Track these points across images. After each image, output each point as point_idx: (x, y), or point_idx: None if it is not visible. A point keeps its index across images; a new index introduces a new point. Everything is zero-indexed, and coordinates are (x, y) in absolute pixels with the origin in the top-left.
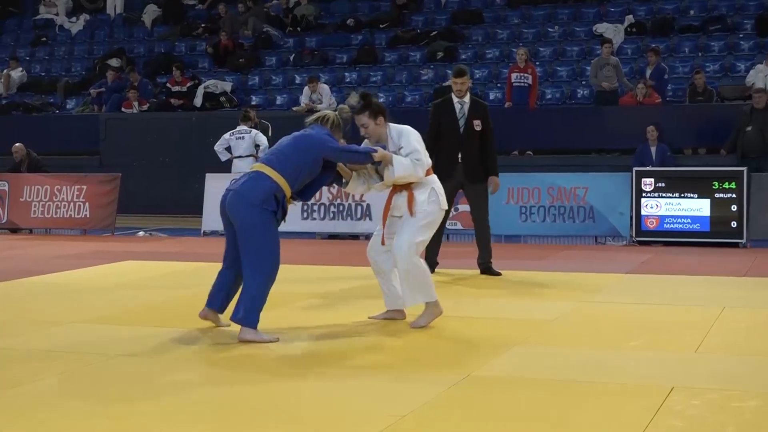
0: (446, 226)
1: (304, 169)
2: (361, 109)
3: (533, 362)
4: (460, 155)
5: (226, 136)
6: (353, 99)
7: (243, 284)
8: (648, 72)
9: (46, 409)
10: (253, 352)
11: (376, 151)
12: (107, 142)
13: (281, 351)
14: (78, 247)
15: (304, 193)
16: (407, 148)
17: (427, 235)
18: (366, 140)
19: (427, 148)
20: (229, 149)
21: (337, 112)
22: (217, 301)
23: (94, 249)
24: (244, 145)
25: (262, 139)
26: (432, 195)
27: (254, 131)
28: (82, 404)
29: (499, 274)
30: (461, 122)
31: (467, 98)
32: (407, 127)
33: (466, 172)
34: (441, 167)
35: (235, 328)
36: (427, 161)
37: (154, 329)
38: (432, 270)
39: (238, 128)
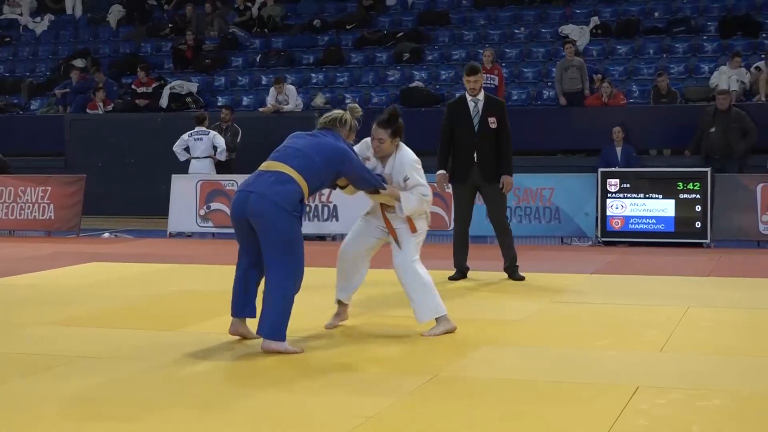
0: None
1: (325, 181)
2: (386, 125)
3: (500, 362)
4: (475, 155)
5: (185, 136)
6: (319, 100)
7: (268, 295)
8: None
9: (15, 412)
10: (226, 353)
11: (385, 184)
12: (72, 143)
13: (248, 353)
14: (43, 248)
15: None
16: (413, 180)
17: (419, 253)
18: (365, 146)
19: (442, 150)
20: (187, 149)
21: (348, 112)
22: (246, 308)
23: (59, 251)
24: (202, 147)
25: (220, 141)
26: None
27: (212, 132)
28: (54, 407)
29: (522, 278)
30: (475, 121)
31: (481, 96)
32: (411, 156)
33: (483, 172)
34: (457, 169)
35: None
36: (430, 195)
37: (123, 331)
38: (465, 275)
39: (197, 129)
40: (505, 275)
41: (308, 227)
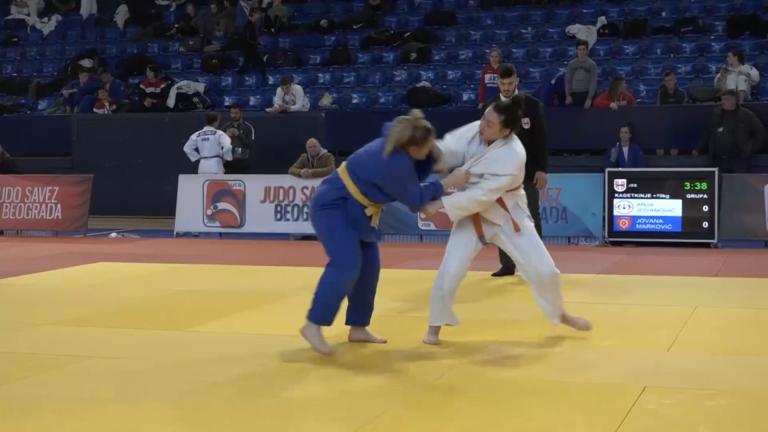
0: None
1: (379, 196)
2: (501, 110)
3: (505, 362)
4: None
5: (194, 137)
6: (326, 100)
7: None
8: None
9: (21, 411)
10: (233, 354)
11: (426, 201)
12: (79, 143)
13: (253, 353)
14: (50, 248)
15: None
16: (488, 183)
17: None
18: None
19: None
20: (197, 150)
21: (411, 117)
22: (359, 317)
23: (66, 250)
24: (208, 146)
25: (226, 141)
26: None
27: (219, 132)
28: (61, 407)
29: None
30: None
31: None
32: (516, 156)
33: None
34: None
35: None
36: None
37: (129, 331)
38: (511, 272)
39: (204, 129)
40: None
41: (305, 227)
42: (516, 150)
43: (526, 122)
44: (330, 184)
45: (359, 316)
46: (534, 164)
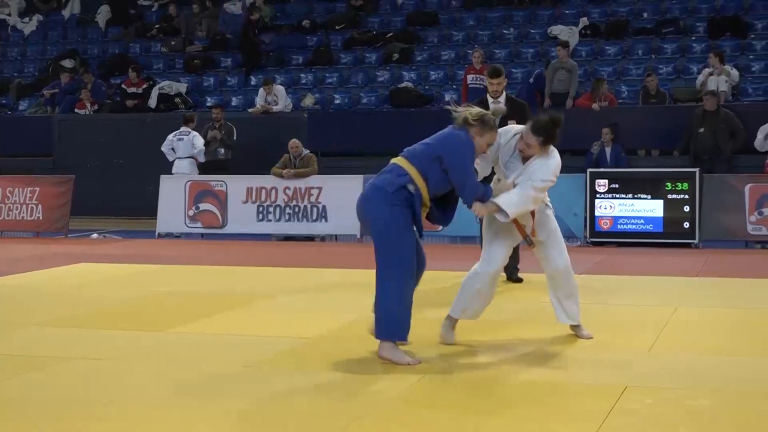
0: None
1: (438, 180)
2: (539, 132)
3: (488, 361)
4: None
5: (170, 137)
6: (309, 100)
7: (376, 295)
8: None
9: (3, 413)
10: (215, 354)
11: (479, 193)
12: (61, 143)
13: (235, 353)
14: (31, 249)
15: (444, 213)
16: (533, 176)
17: None
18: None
19: None
20: (174, 149)
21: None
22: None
23: (47, 252)
24: (182, 147)
25: (199, 142)
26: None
27: (193, 133)
28: (43, 408)
29: (520, 280)
30: (496, 122)
31: (503, 98)
32: (553, 163)
33: None
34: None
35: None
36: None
37: (111, 332)
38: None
39: (181, 129)
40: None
41: (297, 228)
42: (553, 156)
43: (512, 124)
44: (390, 173)
45: None
46: None
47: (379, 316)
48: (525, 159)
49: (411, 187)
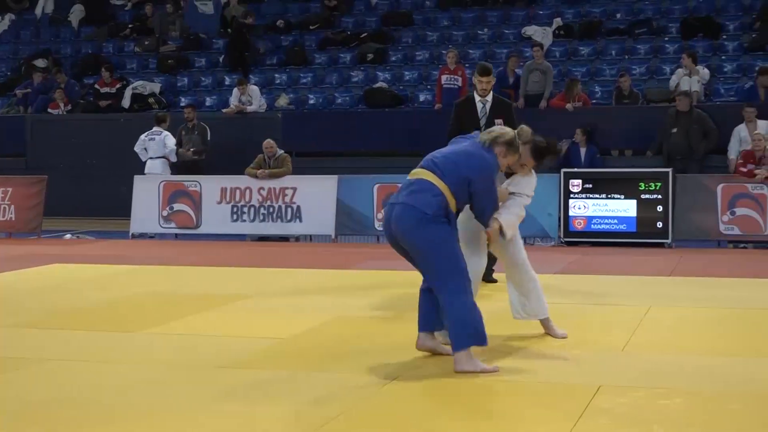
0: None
1: (463, 199)
2: (538, 155)
3: None
4: None
5: (142, 137)
6: (283, 100)
7: (442, 309)
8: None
9: None
10: (190, 356)
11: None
12: (33, 143)
13: (210, 355)
14: (4, 250)
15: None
16: (520, 194)
17: None
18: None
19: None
20: (147, 149)
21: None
22: (429, 321)
23: (20, 252)
24: (154, 146)
25: (170, 142)
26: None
27: (165, 133)
28: (17, 411)
29: (494, 281)
30: (483, 122)
31: (489, 97)
32: (534, 179)
33: None
34: None
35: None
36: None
37: (85, 333)
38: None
39: (153, 129)
40: None
41: (272, 228)
42: (534, 174)
43: (499, 123)
44: (425, 192)
45: (431, 322)
46: None
47: (456, 329)
48: (507, 173)
49: (447, 206)
